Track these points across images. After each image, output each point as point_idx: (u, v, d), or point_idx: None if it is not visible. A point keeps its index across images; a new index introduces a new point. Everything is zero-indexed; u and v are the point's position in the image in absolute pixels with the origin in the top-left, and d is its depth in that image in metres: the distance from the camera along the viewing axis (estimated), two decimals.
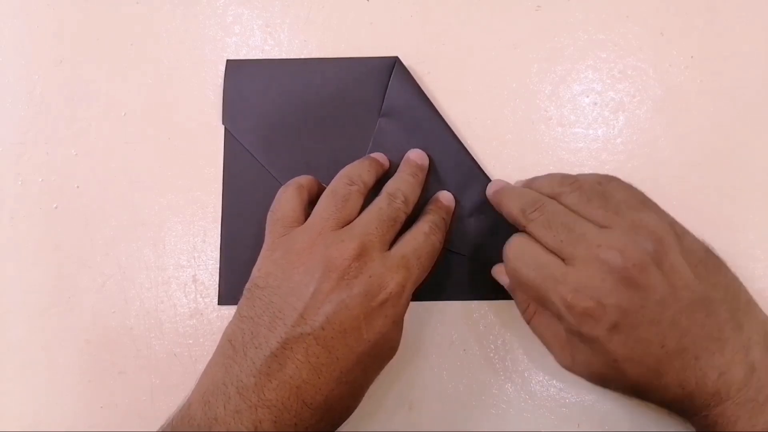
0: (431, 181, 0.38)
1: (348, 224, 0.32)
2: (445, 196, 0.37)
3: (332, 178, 0.38)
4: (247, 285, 0.32)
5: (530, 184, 0.35)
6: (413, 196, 0.35)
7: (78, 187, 0.40)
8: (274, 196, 0.37)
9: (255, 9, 0.43)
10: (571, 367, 0.33)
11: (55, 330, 0.38)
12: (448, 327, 0.38)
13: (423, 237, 0.33)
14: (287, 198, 0.34)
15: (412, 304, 0.37)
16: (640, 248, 0.29)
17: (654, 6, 0.42)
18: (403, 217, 0.34)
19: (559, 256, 0.31)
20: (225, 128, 0.40)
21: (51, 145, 0.40)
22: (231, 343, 0.30)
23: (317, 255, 0.31)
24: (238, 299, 0.32)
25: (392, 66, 0.40)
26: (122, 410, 0.37)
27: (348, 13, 0.42)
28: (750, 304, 0.31)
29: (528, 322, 0.35)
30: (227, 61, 0.41)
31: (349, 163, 0.37)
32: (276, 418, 0.28)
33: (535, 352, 0.37)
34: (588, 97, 0.41)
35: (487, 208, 0.37)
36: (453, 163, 0.38)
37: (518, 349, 0.37)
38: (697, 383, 0.29)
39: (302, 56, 0.41)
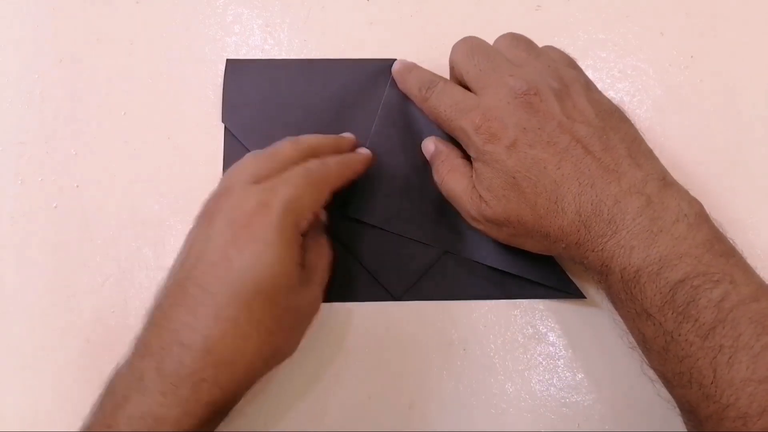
0: (426, 183, 0.38)
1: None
2: (361, 149, 0.37)
3: None
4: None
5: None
6: (310, 141, 0.34)
7: (78, 187, 0.40)
8: None
9: (255, 9, 0.43)
10: (478, 211, 0.33)
11: (55, 330, 0.38)
12: (448, 327, 0.38)
13: (293, 166, 0.32)
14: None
15: (412, 303, 0.38)
16: (545, 82, 0.33)
17: (654, 6, 0.42)
18: (283, 155, 0.33)
19: (472, 88, 0.34)
20: (225, 127, 0.40)
21: (51, 145, 0.40)
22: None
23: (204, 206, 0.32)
24: None
25: (391, 67, 0.40)
26: None
27: (348, 13, 0.42)
28: (650, 152, 0.32)
29: (440, 181, 0.36)
30: (227, 60, 0.41)
31: None
32: (158, 365, 0.28)
33: (535, 352, 0.37)
34: None
35: None
36: None
37: (518, 349, 0.37)
38: (593, 210, 0.30)
39: (302, 56, 0.41)
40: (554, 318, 0.38)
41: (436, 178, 0.36)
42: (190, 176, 0.40)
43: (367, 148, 0.38)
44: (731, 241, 0.30)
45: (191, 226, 0.32)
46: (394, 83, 0.39)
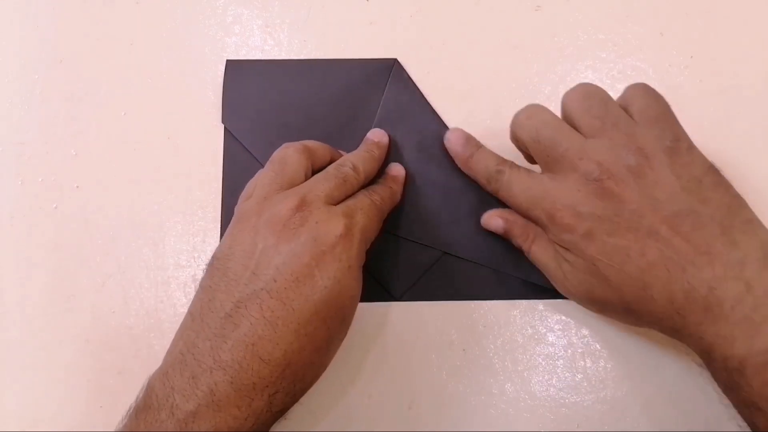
0: (426, 183, 0.38)
1: (292, 186, 0.33)
2: (394, 167, 0.38)
3: None
4: (209, 260, 0.32)
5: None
6: (365, 165, 0.35)
7: (78, 187, 0.40)
8: None
9: (255, 9, 0.43)
10: (565, 286, 0.33)
11: (55, 330, 0.38)
12: (448, 327, 0.38)
13: (362, 196, 0.34)
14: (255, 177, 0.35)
15: (412, 303, 0.38)
16: (620, 161, 0.30)
17: (654, 6, 0.42)
18: (353, 182, 0.34)
19: (543, 170, 0.33)
20: (225, 128, 0.40)
21: (51, 145, 0.40)
22: (191, 314, 0.30)
23: (263, 215, 0.31)
24: None
25: (391, 68, 0.40)
26: (122, 410, 0.37)
27: (348, 13, 0.42)
28: (751, 222, 0.30)
29: (527, 252, 0.35)
30: (227, 60, 0.41)
31: None
32: (232, 379, 0.27)
33: (535, 352, 0.37)
34: None
35: (482, 209, 0.37)
36: (449, 166, 0.38)
37: (518, 349, 0.37)
38: (686, 297, 0.28)
39: (302, 56, 0.41)
40: (554, 318, 0.38)
41: (521, 246, 0.35)
42: (190, 176, 0.40)
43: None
44: None
45: (246, 223, 0.31)
46: (393, 80, 0.39)
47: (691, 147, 0.31)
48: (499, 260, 0.37)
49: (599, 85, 0.41)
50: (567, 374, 0.37)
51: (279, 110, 0.40)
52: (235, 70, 0.41)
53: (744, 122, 0.40)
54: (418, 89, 0.40)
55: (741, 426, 0.29)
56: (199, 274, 0.39)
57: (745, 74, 0.41)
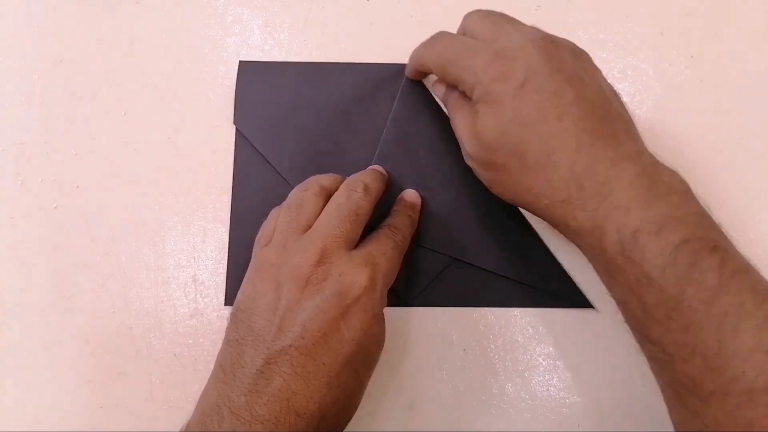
0: (436, 191, 0.38)
1: (310, 228, 0.32)
2: (409, 194, 0.37)
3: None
4: (232, 310, 0.32)
5: None
6: (375, 184, 0.35)
7: (78, 187, 0.40)
8: (284, 198, 0.37)
9: (255, 9, 0.43)
10: (471, 149, 0.33)
11: (55, 330, 0.38)
12: (448, 327, 0.38)
13: (384, 237, 0.34)
14: (269, 217, 0.35)
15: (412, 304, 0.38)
16: (563, 40, 0.32)
17: (654, 6, 0.42)
18: (366, 207, 0.34)
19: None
20: (236, 129, 0.40)
21: (51, 145, 0.40)
22: (221, 368, 0.30)
23: (284, 267, 0.31)
24: None
25: (403, 73, 0.40)
26: (122, 410, 0.37)
27: (348, 13, 0.42)
28: (640, 137, 0.32)
29: (452, 119, 0.35)
30: (240, 62, 0.41)
31: (356, 165, 0.38)
32: None
33: (535, 352, 0.37)
34: None
35: (493, 217, 0.37)
36: (462, 171, 0.38)
37: (518, 349, 0.37)
38: (588, 168, 0.29)
39: (302, 56, 0.41)
40: (554, 319, 0.38)
41: (448, 111, 0.36)
42: (190, 176, 0.40)
43: (377, 155, 0.39)
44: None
45: (266, 273, 0.32)
46: (403, 93, 0.39)
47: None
48: (508, 268, 0.37)
49: None
50: (567, 374, 0.37)
51: (290, 112, 0.40)
52: (248, 71, 0.40)
53: (744, 122, 0.40)
54: (431, 96, 0.39)
55: None
56: (200, 274, 0.39)
57: (745, 74, 0.41)
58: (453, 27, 0.42)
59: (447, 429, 0.36)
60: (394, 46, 0.41)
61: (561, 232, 0.31)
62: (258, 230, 0.37)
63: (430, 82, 0.39)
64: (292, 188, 0.38)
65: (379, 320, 0.32)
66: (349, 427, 0.36)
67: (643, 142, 0.31)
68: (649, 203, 0.28)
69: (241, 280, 0.34)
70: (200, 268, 0.39)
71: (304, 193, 0.34)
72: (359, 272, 0.31)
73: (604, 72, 0.41)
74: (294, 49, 0.42)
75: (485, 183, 0.34)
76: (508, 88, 0.30)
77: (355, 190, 0.34)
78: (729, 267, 0.27)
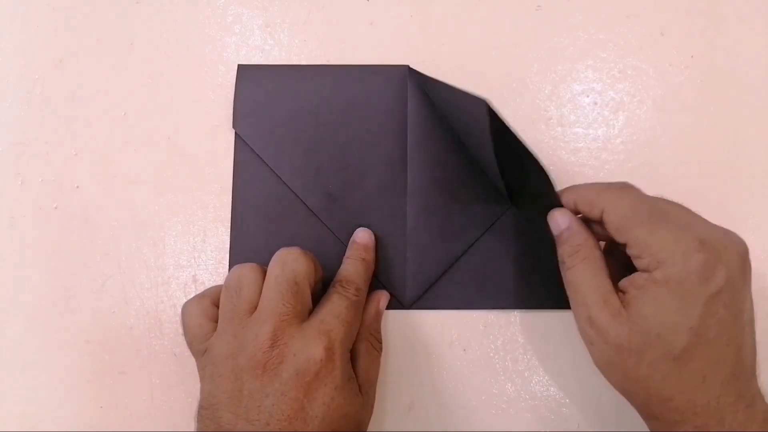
0: (464, 193, 0.38)
1: (254, 308, 0.32)
2: (360, 235, 0.37)
3: (342, 183, 0.38)
4: (197, 408, 0.32)
5: None
6: (356, 276, 0.35)
7: (78, 187, 0.40)
8: (284, 202, 0.37)
9: (255, 9, 0.43)
10: (608, 323, 0.29)
11: (55, 330, 0.38)
12: (448, 327, 0.38)
13: (336, 296, 0.33)
14: (188, 314, 0.33)
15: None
16: (746, 251, 0.29)
17: (654, 6, 0.42)
18: (303, 270, 0.32)
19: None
20: (235, 133, 0.40)
21: (51, 145, 0.40)
22: None
23: (240, 357, 0.30)
24: None
25: (402, 74, 0.40)
26: (122, 410, 0.37)
27: (348, 13, 0.42)
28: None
29: (570, 269, 0.31)
30: (239, 66, 0.41)
31: (356, 168, 0.38)
32: None
33: (535, 352, 0.37)
34: (588, 96, 0.41)
35: (502, 219, 0.38)
36: (475, 177, 0.38)
37: (518, 349, 0.37)
38: (734, 402, 0.28)
39: (302, 56, 0.41)
40: (554, 319, 0.38)
41: (562, 257, 0.32)
42: (190, 176, 0.40)
43: (408, 163, 0.38)
44: None
45: (223, 367, 0.31)
46: (413, 91, 0.39)
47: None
48: (511, 268, 0.38)
49: (599, 84, 0.41)
50: (568, 374, 0.37)
51: (290, 116, 0.40)
52: (247, 75, 0.40)
53: (744, 122, 0.40)
54: (441, 83, 0.38)
55: None
56: (200, 274, 0.39)
57: (746, 74, 0.41)
58: (453, 26, 0.42)
59: (447, 429, 0.36)
60: (394, 46, 0.41)
61: None
62: (259, 230, 0.37)
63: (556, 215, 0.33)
64: (292, 190, 0.38)
65: (345, 390, 0.31)
66: None
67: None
68: None
69: None
70: (200, 268, 0.39)
71: (241, 271, 0.33)
72: (314, 346, 0.30)
73: (604, 72, 0.41)
74: (294, 49, 0.42)
75: (599, 358, 0.30)
76: (706, 290, 0.27)
77: (289, 254, 0.33)
78: None
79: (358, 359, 0.34)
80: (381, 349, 0.36)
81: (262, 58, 0.41)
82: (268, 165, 0.39)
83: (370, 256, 0.36)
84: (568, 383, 0.37)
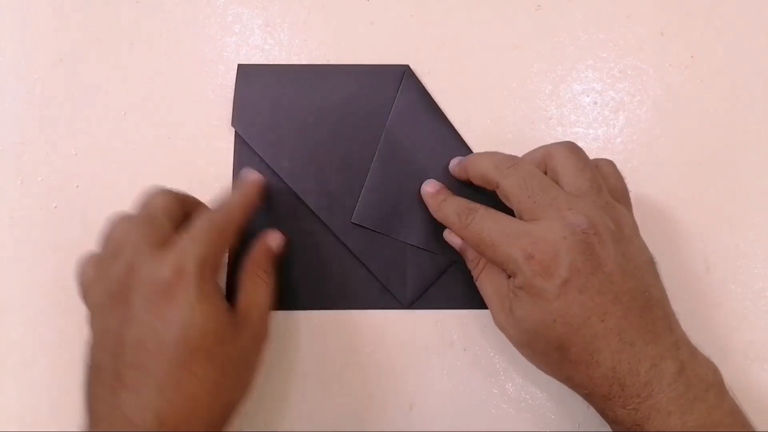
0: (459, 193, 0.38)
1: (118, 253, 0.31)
2: (248, 173, 0.37)
3: (340, 182, 0.38)
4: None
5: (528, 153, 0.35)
6: (229, 204, 0.34)
7: (78, 186, 0.40)
8: (284, 200, 0.37)
9: (255, 9, 0.43)
10: (505, 323, 0.33)
11: (55, 330, 0.38)
12: (448, 327, 0.38)
13: (198, 221, 0.32)
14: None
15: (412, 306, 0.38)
16: (604, 222, 0.31)
17: (654, 6, 0.42)
18: (161, 204, 0.32)
19: (522, 217, 0.32)
20: (235, 132, 0.40)
21: (51, 145, 0.40)
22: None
23: (101, 295, 0.31)
24: None
25: (402, 74, 0.40)
26: None
27: (348, 13, 0.42)
28: (674, 314, 0.31)
29: (476, 278, 0.35)
30: (238, 65, 0.41)
31: (354, 165, 0.38)
32: None
33: None
34: (588, 96, 0.41)
35: None
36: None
37: None
38: (630, 369, 0.29)
39: (302, 56, 0.41)
40: None
41: (471, 270, 0.36)
42: (190, 176, 0.40)
43: (376, 155, 0.39)
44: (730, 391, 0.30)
45: (92, 317, 0.31)
46: (404, 90, 0.39)
47: (638, 232, 0.33)
48: None
49: (600, 84, 0.41)
50: None
51: (290, 115, 0.40)
52: (247, 74, 0.40)
53: (744, 122, 0.40)
54: (430, 97, 0.40)
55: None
56: None
57: (746, 74, 0.41)
58: (453, 26, 0.42)
59: (447, 429, 0.36)
60: (394, 46, 0.41)
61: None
62: (258, 229, 0.37)
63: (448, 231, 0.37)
64: (291, 190, 0.38)
65: (201, 310, 0.29)
66: (350, 426, 0.36)
67: (677, 321, 0.31)
68: (689, 406, 0.28)
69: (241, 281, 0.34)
70: None
71: (110, 224, 0.33)
72: (161, 266, 0.29)
73: (604, 72, 0.41)
74: (294, 49, 0.42)
75: (521, 353, 0.34)
76: (552, 287, 0.30)
77: (149, 192, 0.33)
78: None
79: (240, 290, 0.33)
80: (269, 281, 0.35)
81: (262, 57, 0.41)
82: (267, 164, 0.39)
83: (252, 191, 0.36)
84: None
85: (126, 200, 0.39)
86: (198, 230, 0.31)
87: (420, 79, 0.40)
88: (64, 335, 0.38)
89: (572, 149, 0.33)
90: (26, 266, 0.39)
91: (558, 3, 0.42)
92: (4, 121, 0.41)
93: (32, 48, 0.42)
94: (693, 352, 0.30)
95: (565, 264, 0.29)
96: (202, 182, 0.40)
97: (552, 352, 0.31)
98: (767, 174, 0.40)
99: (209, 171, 0.40)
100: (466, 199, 0.35)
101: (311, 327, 0.37)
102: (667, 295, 0.32)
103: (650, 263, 0.32)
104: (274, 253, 0.36)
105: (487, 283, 0.34)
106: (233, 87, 0.40)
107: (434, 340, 0.37)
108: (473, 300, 0.37)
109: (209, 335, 0.29)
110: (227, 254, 0.38)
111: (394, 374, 0.37)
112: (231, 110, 0.40)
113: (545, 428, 0.36)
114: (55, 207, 0.40)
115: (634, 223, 0.33)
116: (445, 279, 0.38)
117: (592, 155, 0.40)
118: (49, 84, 0.41)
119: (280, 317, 0.37)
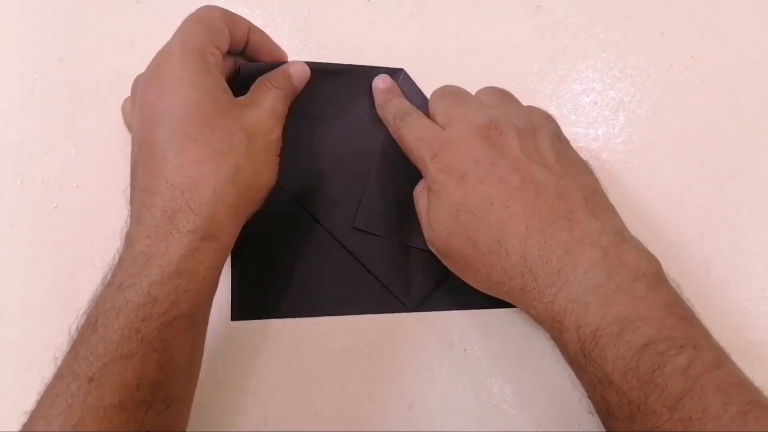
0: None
1: None
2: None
3: (336, 183, 0.38)
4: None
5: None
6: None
7: (78, 186, 0.40)
8: (284, 205, 0.37)
9: (255, 9, 0.43)
10: (430, 235, 0.33)
11: (55, 330, 0.38)
12: (448, 327, 0.38)
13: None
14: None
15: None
16: (511, 120, 0.32)
17: (654, 6, 0.42)
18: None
19: (438, 123, 0.33)
20: None
21: (51, 145, 0.40)
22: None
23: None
24: (252, 314, 0.34)
25: (398, 76, 0.40)
26: None
27: (348, 13, 0.42)
28: (610, 207, 0.31)
29: (415, 197, 0.35)
30: (239, 65, 0.40)
31: (354, 169, 0.38)
32: (137, 220, 0.30)
33: (536, 352, 0.37)
34: (588, 96, 0.41)
35: None
36: None
37: (519, 349, 0.37)
38: (540, 256, 0.28)
39: (302, 56, 0.41)
40: None
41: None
42: None
43: (376, 160, 0.39)
44: (688, 302, 0.28)
45: (136, 115, 0.33)
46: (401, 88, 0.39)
47: (570, 146, 0.34)
48: None
49: (600, 84, 0.41)
50: (568, 374, 0.37)
51: (289, 116, 0.39)
52: (247, 74, 0.40)
53: (744, 122, 0.40)
54: (426, 98, 0.39)
55: None
56: None
57: (746, 74, 0.41)
58: (453, 26, 0.42)
59: (447, 429, 0.36)
60: (394, 46, 0.41)
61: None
62: (262, 233, 0.37)
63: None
64: (289, 193, 0.38)
65: (188, 79, 0.31)
66: (350, 426, 0.36)
67: (608, 210, 0.30)
68: (610, 298, 0.27)
69: (249, 290, 0.35)
70: None
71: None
72: (153, 60, 0.32)
73: (604, 72, 0.41)
74: (294, 49, 0.42)
75: (451, 270, 0.34)
76: (452, 179, 0.31)
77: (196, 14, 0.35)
78: (696, 367, 0.25)
79: (252, 92, 0.35)
80: (278, 92, 0.35)
81: None
82: None
83: (290, 81, 0.37)
84: (568, 383, 0.37)
85: (126, 200, 0.39)
86: (182, 25, 0.33)
87: (420, 79, 0.40)
88: (64, 335, 0.38)
89: (491, 87, 0.36)
90: (26, 266, 0.39)
91: (558, 3, 0.42)
92: (4, 121, 0.41)
93: (32, 48, 0.42)
94: (623, 239, 0.29)
95: (464, 157, 0.31)
96: None
97: (466, 249, 0.31)
98: (767, 174, 0.40)
99: None
100: (409, 104, 0.37)
101: (311, 327, 0.37)
102: (601, 189, 0.31)
103: (574, 162, 0.32)
104: (293, 81, 0.36)
105: (419, 201, 0.34)
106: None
107: (434, 341, 0.37)
108: (474, 301, 0.37)
109: (202, 104, 0.30)
110: (229, 256, 0.38)
111: (394, 374, 0.37)
112: None
113: (545, 428, 0.36)
114: (55, 207, 0.40)
115: (559, 131, 0.34)
116: (449, 282, 0.38)
117: (592, 155, 0.40)
118: (49, 84, 0.41)
119: (281, 320, 0.37)
